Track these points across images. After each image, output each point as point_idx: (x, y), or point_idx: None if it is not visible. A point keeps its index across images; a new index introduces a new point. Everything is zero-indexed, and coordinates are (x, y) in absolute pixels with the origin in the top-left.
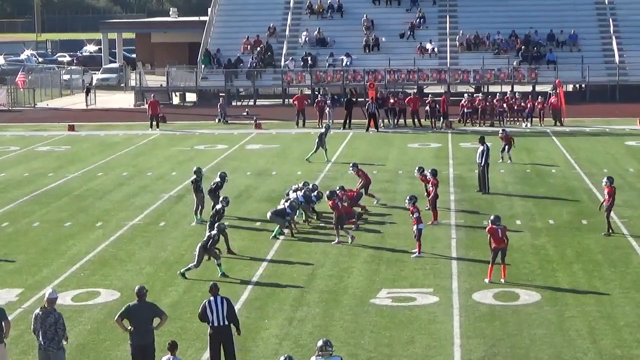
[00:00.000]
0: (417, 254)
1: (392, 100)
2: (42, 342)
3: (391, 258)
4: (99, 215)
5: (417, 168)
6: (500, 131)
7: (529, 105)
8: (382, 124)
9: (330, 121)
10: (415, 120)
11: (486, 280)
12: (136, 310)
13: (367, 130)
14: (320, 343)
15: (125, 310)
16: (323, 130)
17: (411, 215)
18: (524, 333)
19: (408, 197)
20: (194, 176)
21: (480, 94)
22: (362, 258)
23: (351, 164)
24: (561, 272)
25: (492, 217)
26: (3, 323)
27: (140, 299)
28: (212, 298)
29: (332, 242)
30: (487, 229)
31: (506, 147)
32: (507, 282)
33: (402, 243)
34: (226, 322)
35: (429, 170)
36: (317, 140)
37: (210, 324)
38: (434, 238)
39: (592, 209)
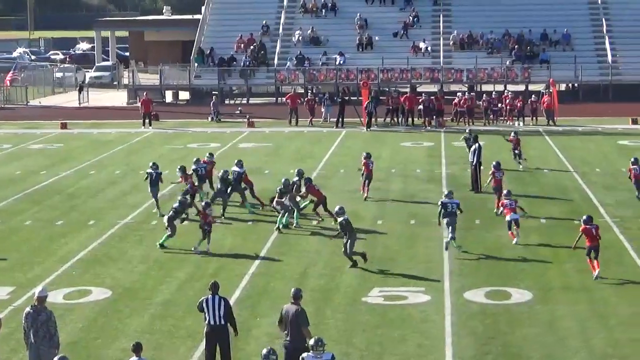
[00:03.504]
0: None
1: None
2: (33, 341)
3: (383, 257)
4: (91, 214)
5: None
6: (512, 134)
7: (518, 105)
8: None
9: (328, 120)
10: (409, 118)
11: (594, 273)
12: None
13: (368, 128)
14: (312, 341)
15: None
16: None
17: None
18: (515, 332)
19: (505, 192)
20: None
21: (473, 93)
22: (356, 257)
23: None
24: (553, 271)
25: (584, 218)
26: None
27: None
28: (210, 296)
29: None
30: (581, 228)
31: (516, 150)
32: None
33: (393, 242)
34: (223, 322)
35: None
36: None
37: (207, 322)
38: (425, 237)
39: (585, 208)
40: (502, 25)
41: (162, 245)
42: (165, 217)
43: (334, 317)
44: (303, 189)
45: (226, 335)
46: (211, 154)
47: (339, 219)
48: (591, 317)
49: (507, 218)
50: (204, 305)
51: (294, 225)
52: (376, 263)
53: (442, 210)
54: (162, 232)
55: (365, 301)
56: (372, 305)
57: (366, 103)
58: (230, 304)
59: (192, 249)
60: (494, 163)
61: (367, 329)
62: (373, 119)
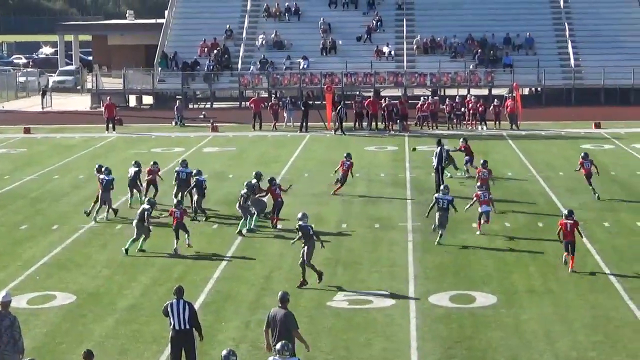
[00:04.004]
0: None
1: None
2: None
3: (348, 261)
4: (55, 218)
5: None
6: (461, 140)
7: (480, 109)
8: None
9: (290, 124)
10: (373, 123)
11: (569, 269)
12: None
13: (343, 132)
14: (278, 346)
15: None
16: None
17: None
18: (480, 336)
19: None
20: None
21: (436, 97)
22: (318, 261)
23: (270, 178)
24: (517, 274)
25: (565, 212)
26: None
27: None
28: (174, 301)
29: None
30: (559, 222)
31: (467, 157)
32: (573, 272)
33: (358, 246)
34: (187, 326)
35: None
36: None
37: (172, 327)
38: (390, 240)
39: (548, 212)
40: (465, 30)
41: (127, 250)
42: (135, 221)
43: (299, 322)
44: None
45: (191, 339)
46: (155, 163)
47: (297, 223)
48: (555, 320)
49: (480, 209)
50: (169, 309)
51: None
52: (341, 267)
53: (435, 205)
54: (127, 236)
55: (330, 305)
56: (337, 310)
57: (338, 108)
58: (195, 308)
59: (187, 244)
60: (481, 161)
61: (332, 333)
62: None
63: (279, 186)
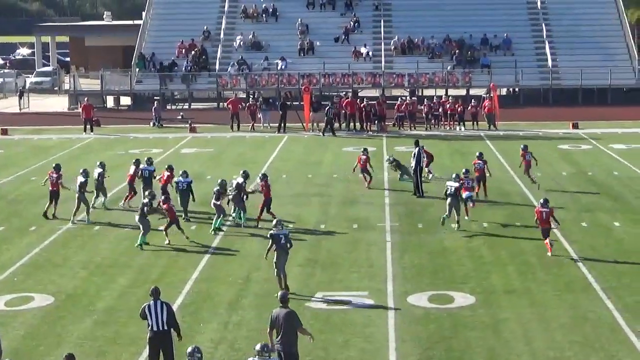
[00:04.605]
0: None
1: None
2: None
3: (326, 261)
4: (33, 220)
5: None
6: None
7: (459, 109)
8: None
9: (267, 125)
10: (351, 123)
11: (549, 254)
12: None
13: (329, 134)
14: (258, 347)
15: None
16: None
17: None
18: (459, 336)
19: (464, 170)
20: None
21: (414, 98)
22: (297, 261)
23: (262, 174)
24: (495, 274)
25: (541, 200)
26: None
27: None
28: (152, 302)
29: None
30: (535, 209)
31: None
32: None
33: (336, 246)
34: (166, 327)
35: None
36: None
37: (150, 328)
38: (368, 241)
39: (526, 212)
40: (443, 30)
41: (142, 245)
42: (137, 217)
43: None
44: (258, 183)
45: (169, 340)
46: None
47: (270, 231)
48: (533, 320)
49: (463, 195)
50: (146, 311)
51: (242, 225)
52: (319, 267)
53: (446, 191)
54: (104, 237)
55: (309, 306)
56: (316, 310)
57: (327, 109)
58: (172, 308)
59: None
60: (477, 153)
61: (310, 333)
62: (320, 124)
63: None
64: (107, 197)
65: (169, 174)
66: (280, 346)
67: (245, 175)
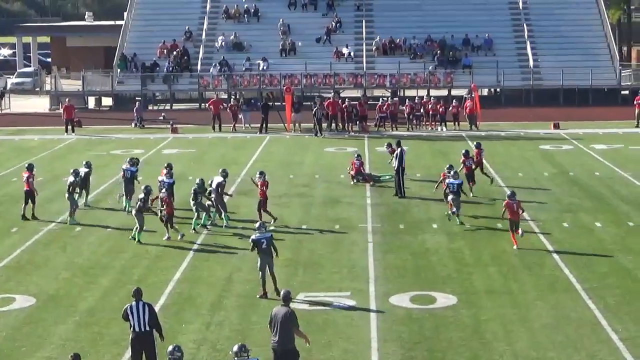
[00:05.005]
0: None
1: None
2: None
3: (308, 262)
4: (15, 221)
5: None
6: (386, 145)
7: (440, 110)
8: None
9: (249, 125)
10: (333, 124)
11: (514, 247)
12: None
13: (321, 134)
14: (235, 348)
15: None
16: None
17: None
18: (440, 336)
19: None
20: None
21: (396, 98)
22: (279, 262)
23: (260, 171)
24: (477, 275)
25: (508, 193)
26: None
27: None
28: (134, 303)
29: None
30: (504, 202)
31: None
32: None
33: (318, 247)
34: (147, 328)
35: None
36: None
37: (132, 329)
38: (350, 242)
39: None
40: (424, 31)
41: (138, 241)
42: (134, 211)
43: (259, 323)
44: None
45: (151, 342)
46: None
47: (251, 237)
48: (515, 320)
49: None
50: (129, 312)
51: (224, 226)
52: (301, 268)
53: (446, 188)
54: (86, 238)
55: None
56: (298, 311)
57: (315, 109)
58: (154, 309)
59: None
60: (463, 151)
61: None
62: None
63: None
64: (89, 195)
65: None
66: (277, 344)
67: (225, 174)
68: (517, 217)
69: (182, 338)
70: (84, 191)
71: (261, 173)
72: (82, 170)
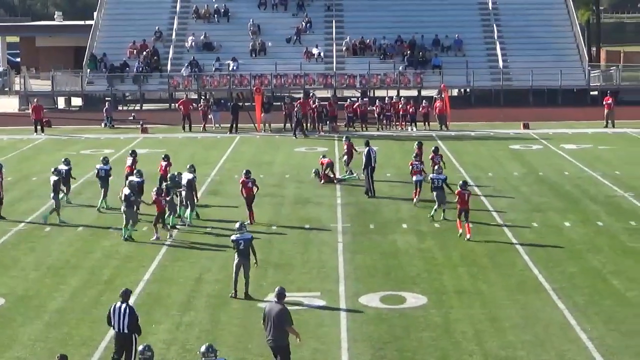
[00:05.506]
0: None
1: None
2: None
3: (278, 262)
4: None
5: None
6: (344, 138)
7: (410, 110)
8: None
9: (218, 125)
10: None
11: (467, 236)
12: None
13: (303, 133)
14: (203, 348)
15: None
16: None
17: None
18: (410, 336)
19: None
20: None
21: (366, 99)
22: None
23: (246, 171)
24: (447, 275)
25: (460, 183)
26: None
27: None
28: (118, 304)
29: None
30: (456, 192)
31: (346, 157)
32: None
33: (288, 247)
34: (126, 331)
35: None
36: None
37: (114, 329)
38: (320, 242)
39: (478, 213)
40: (394, 31)
41: (130, 237)
42: (123, 207)
43: (229, 323)
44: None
45: (131, 343)
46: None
47: (232, 237)
48: (485, 320)
49: (414, 179)
50: (111, 311)
51: (187, 224)
52: (271, 268)
53: (431, 184)
54: (55, 238)
55: (261, 307)
56: None
57: (295, 110)
58: (136, 315)
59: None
60: (433, 148)
61: (262, 334)
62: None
63: (253, 181)
64: (69, 193)
65: (165, 163)
66: (271, 341)
67: (193, 169)
68: (466, 206)
69: (152, 338)
70: (64, 188)
71: (247, 172)
72: (63, 168)
